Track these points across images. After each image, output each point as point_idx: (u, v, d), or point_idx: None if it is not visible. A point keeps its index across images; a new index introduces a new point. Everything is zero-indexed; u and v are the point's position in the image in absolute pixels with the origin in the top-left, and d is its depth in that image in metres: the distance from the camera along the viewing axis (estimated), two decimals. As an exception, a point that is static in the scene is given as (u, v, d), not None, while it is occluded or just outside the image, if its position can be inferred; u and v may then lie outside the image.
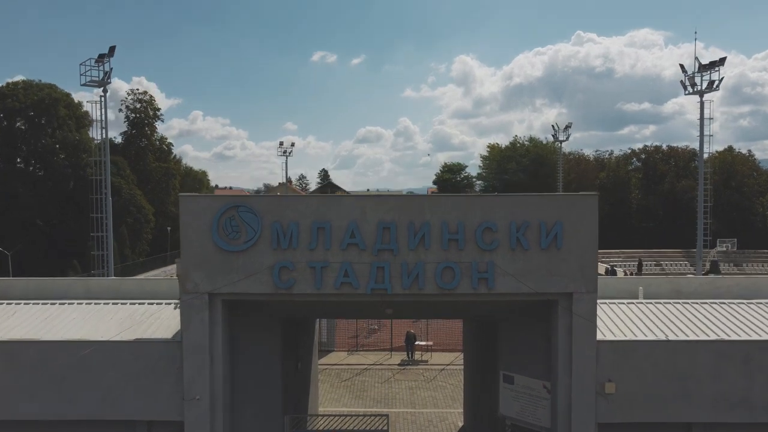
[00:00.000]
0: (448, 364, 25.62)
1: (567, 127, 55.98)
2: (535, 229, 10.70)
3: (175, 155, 64.28)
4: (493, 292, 10.79)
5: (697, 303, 14.92)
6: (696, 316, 13.52)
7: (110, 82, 26.87)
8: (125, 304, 15.33)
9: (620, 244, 65.10)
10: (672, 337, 11.63)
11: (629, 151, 77.76)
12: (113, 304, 15.39)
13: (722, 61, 29.85)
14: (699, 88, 30.93)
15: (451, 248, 10.74)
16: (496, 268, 10.73)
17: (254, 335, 12.10)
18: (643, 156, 74.67)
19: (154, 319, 13.83)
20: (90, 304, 15.45)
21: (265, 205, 10.86)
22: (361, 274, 10.80)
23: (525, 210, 10.75)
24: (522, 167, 73.76)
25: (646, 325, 13.22)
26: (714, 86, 30.73)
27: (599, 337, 11.26)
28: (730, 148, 73.40)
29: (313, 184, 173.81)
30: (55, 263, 37.68)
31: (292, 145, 72.62)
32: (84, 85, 26.85)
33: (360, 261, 10.79)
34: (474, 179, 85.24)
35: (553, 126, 56.95)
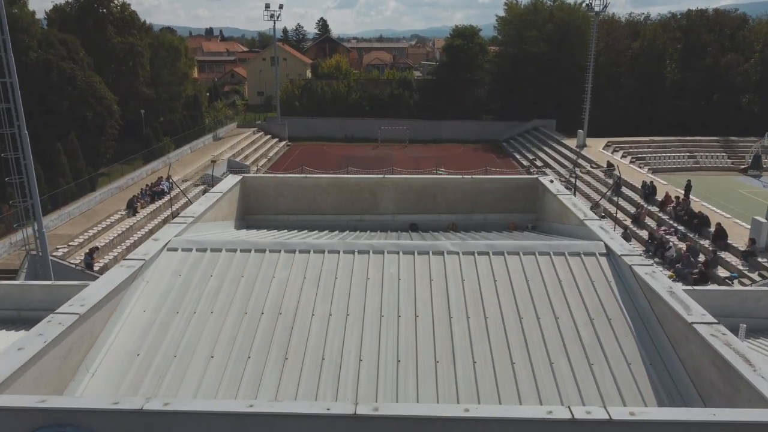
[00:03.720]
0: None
1: (606, -5, 46.74)
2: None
3: (145, 21, 55.32)
4: None
5: None
6: None
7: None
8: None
9: (649, 129, 58.43)
10: None
11: (669, 15, 67.72)
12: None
13: None
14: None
15: None
16: None
17: None
18: (685, 22, 64.85)
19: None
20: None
21: (119, 427, 5.17)
22: None
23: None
24: (545, 36, 64.51)
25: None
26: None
27: None
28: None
29: (311, 33, 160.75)
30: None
31: (281, 6, 63.55)
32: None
33: None
34: (488, 44, 75.71)
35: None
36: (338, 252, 9.35)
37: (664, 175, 49.19)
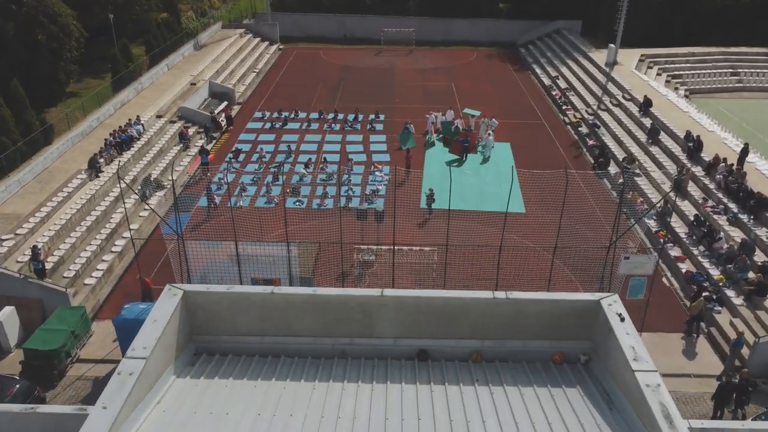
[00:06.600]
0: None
1: None
2: None
3: None
4: None
5: None
6: None
7: None
8: None
9: (686, 33, 51.53)
10: None
11: None
12: None
13: None
14: None
15: None
16: None
17: None
18: None
19: None
20: None
21: None
22: None
23: None
24: None
25: None
26: None
27: None
28: None
29: None
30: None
31: None
32: None
33: None
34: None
35: None
36: None
37: (703, 98, 43.67)
